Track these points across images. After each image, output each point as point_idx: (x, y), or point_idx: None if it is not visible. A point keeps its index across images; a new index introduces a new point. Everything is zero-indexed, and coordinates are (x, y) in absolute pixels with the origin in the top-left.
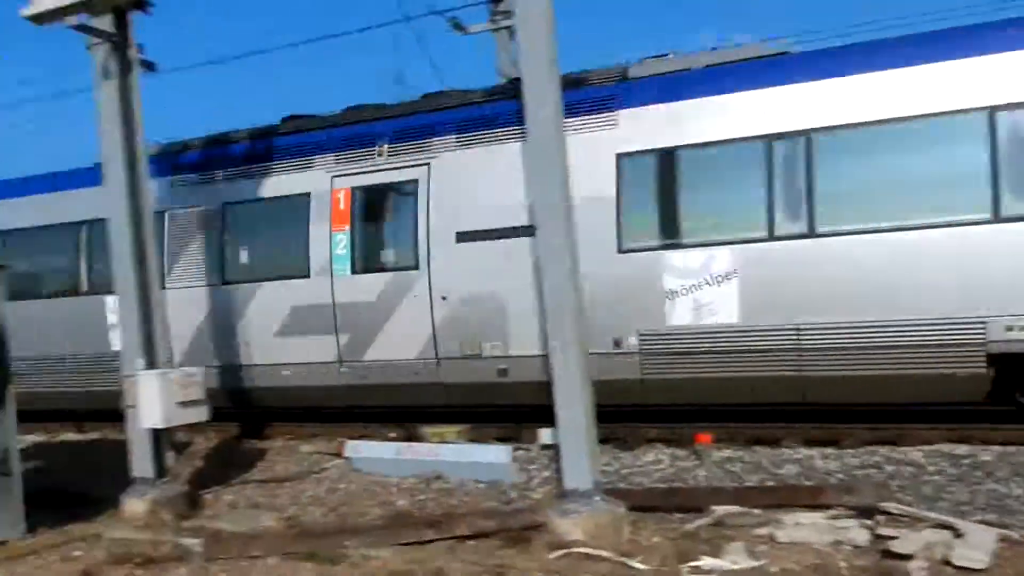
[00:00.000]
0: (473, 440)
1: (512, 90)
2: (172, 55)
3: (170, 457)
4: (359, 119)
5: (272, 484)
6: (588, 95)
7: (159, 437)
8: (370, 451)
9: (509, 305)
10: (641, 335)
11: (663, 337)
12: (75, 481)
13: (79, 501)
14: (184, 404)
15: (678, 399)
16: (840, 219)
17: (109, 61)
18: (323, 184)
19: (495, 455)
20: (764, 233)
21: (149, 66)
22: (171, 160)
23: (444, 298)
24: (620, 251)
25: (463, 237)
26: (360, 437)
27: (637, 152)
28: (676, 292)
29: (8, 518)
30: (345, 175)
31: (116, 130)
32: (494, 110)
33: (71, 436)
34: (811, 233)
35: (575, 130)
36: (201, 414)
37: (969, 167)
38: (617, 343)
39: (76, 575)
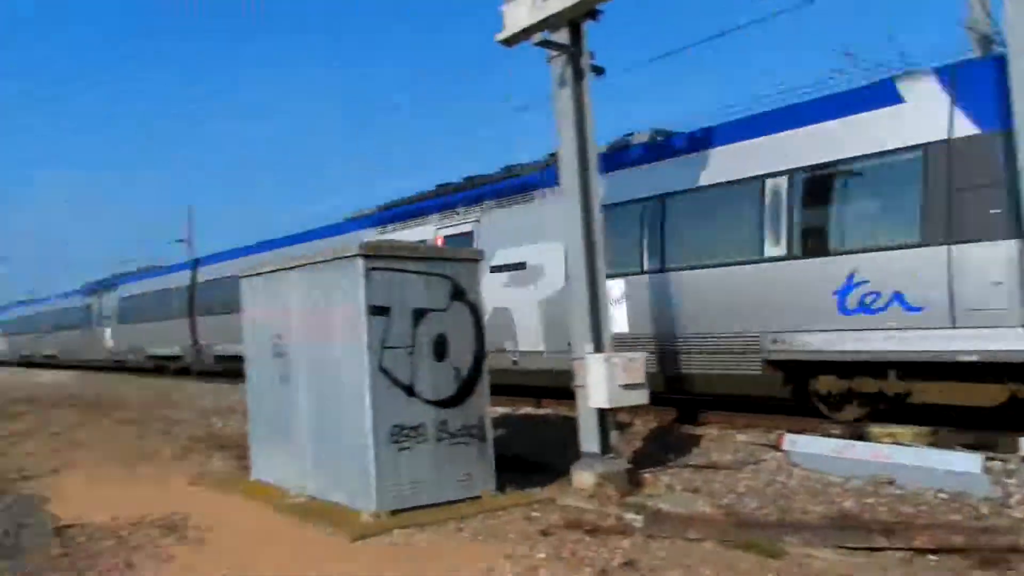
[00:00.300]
0: (933, 444)
1: (516, 173)
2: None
3: (614, 436)
4: (454, 189)
5: (708, 470)
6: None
7: (605, 416)
8: (811, 446)
9: (514, 315)
10: None
11: None
12: (532, 450)
13: (536, 468)
14: (627, 387)
15: None
16: (678, 259)
17: (565, 71)
18: (430, 235)
19: (963, 464)
20: (639, 269)
21: (599, 71)
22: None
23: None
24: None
25: (492, 269)
26: (800, 431)
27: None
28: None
29: (482, 477)
30: (441, 228)
31: (571, 132)
32: (506, 185)
33: (529, 410)
34: (663, 269)
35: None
36: (642, 397)
37: (748, 220)
38: None
39: (536, 534)
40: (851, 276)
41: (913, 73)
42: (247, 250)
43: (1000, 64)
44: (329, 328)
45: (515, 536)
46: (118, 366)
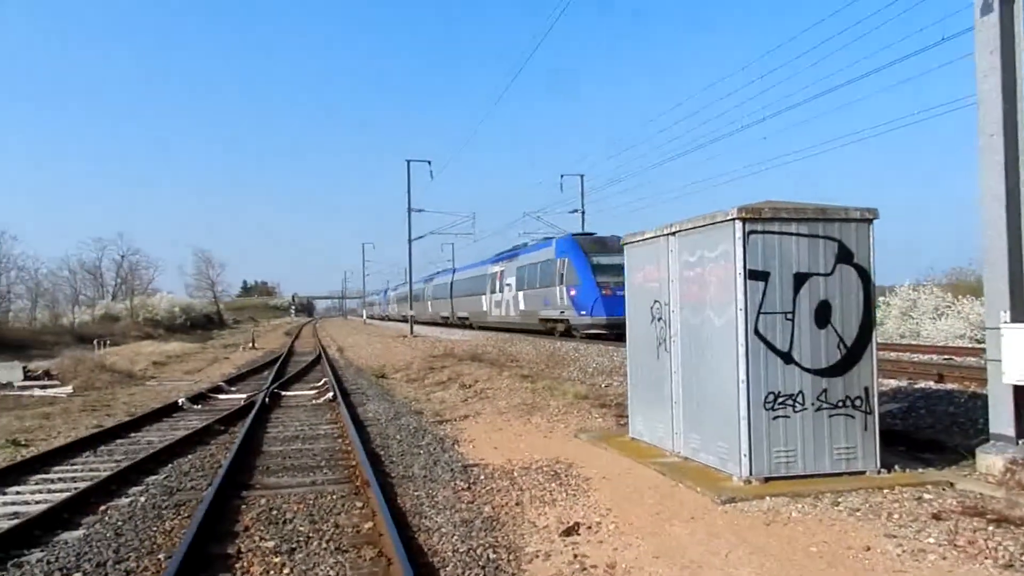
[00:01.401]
0: None
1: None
2: None
3: None
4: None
5: None
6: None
7: (1022, 395)
8: None
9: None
10: None
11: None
12: (926, 428)
13: (929, 447)
14: None
15: None
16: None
17: None
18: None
19: None
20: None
21: None
22: None
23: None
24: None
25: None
26: None
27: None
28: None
29: (865, 451)
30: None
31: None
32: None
33: (930, 384)
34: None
35: None
36: None
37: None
38: None
39: (927, 517)
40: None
41: (551, 237)
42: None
43: (569, 239)
44: (705, 293)
45: (900, 517)
46: (510, 327)
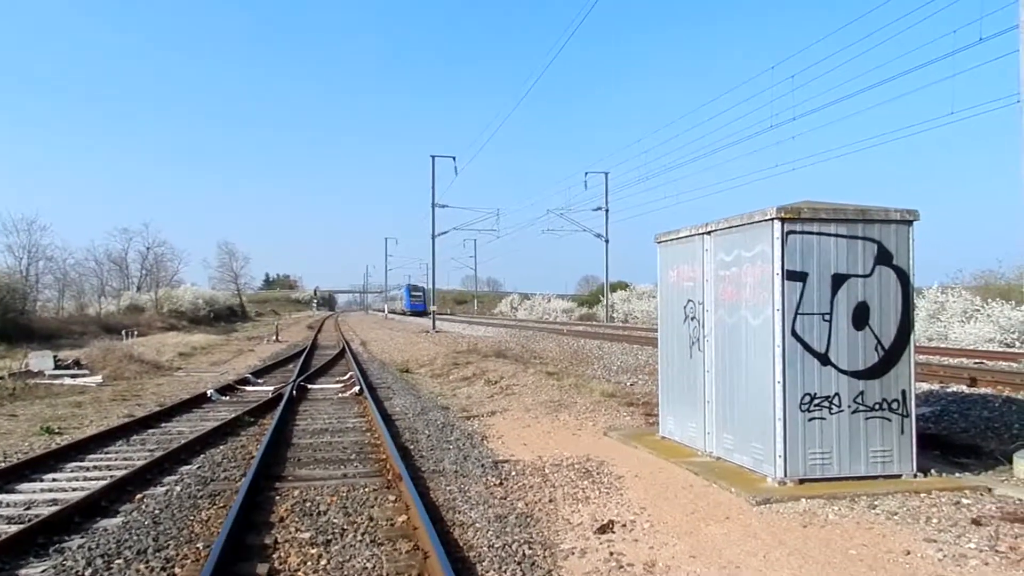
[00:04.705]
0: None
1: None
2: None
3: None
4: None
5: None
6: None
7: None
8: None
9: None
10: None
11: None
12: (960, 432)
13: (965, 452)
14: None
15: None
16: None
17: None
18: None
19: None
20: None
21: None
22: None
23: None
24: None
25: None
26: None
27: None
28: None
29: (901, 455)
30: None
31: None
32: None
33: (963, 388)
34: None
35: None
36: None
37: None
38: None
39: (966, 522)
40: None
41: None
42: None
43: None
44: (741, 293)
45: (939, 522)
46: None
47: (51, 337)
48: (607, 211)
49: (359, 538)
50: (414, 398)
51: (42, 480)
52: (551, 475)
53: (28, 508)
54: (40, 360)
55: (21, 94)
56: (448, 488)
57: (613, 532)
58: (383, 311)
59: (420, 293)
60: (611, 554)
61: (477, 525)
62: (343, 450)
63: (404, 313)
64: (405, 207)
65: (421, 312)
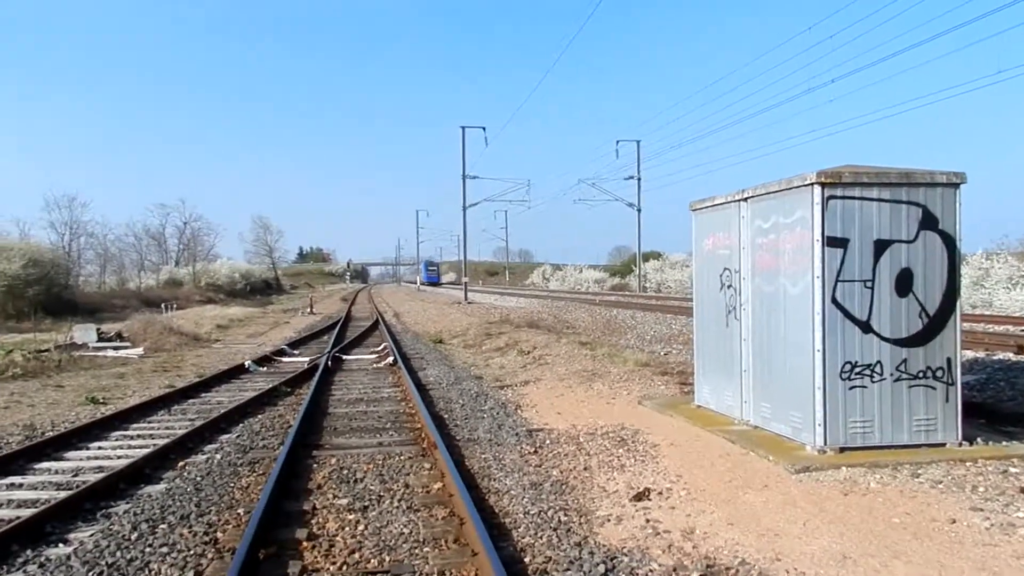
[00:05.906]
0: None
1: None
2: None
3: None
4: None
5: None
6: None
7: None
8: None
9: None
10: None
11: None
12: (1007, 401)
13: (1012, 420)
14: None
15: None
16: None
17: None
18: None
19: None
20: None
21: None
22: None
23: None
24: None
25: None
26: None
27: None
28: None
29: (946, 423)
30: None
31: None
32: None
33: (1009, 356)
34: None
35: None
36: None
37: None
38: None
39: (1014, 491)
40: None
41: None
42: None
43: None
44: (779, 260)
45: (986, 490)
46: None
47: (94, 311)
48: (639, 180)
49: (396, 504)
50: (448, 368)
51: (88, 448)
52: (586, 443)
53: (76, 475)
54: (84, 333)
55: (61, 75)
56: (483, 456)
57: (649, 500)
58: (415, 283)
59: (435, 267)
60: (647, 521)
61: (512, 492)
62: (378, 419)
63: (424, 285)
64: (437, 179)
65: (436, 283)
